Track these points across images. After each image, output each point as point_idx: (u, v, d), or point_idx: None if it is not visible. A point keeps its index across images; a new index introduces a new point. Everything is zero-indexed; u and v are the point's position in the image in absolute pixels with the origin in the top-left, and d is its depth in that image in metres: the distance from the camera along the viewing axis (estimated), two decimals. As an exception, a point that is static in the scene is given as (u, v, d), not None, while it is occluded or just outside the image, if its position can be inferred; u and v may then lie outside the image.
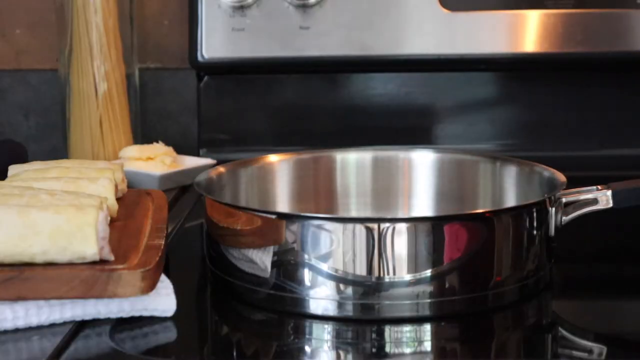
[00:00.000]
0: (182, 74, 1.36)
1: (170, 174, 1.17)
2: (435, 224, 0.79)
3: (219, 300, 0.87)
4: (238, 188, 0.98)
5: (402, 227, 0.78)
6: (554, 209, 0.85)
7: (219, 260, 0.86)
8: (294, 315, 0.80)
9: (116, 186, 0.93)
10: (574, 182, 0.88)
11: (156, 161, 1.19)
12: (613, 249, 1.00)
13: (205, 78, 1.32)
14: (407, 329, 0.78)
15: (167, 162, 1.19)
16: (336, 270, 0.78)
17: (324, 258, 0.78)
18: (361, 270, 0.78)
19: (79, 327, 0.76)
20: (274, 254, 0.80)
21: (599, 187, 0.86)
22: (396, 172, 1.03)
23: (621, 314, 0.84)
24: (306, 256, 0.79)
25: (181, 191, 1.19)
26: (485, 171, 0.99)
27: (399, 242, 0.78)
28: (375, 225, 0.78)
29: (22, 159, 1.08)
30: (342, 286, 0.78)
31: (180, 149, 1.35)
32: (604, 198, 0.86)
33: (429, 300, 0.78)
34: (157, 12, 1.36)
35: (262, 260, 0.81)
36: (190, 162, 1.23)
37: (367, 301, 0.78)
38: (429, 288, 0.78)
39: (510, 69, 1.31)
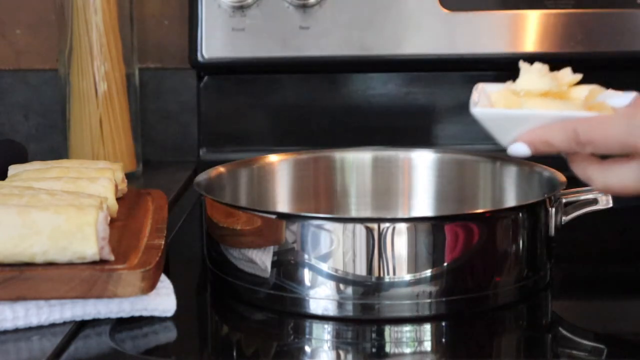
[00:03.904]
0: (182, 74, 1.36)
1: None
2: (435, 224, 0.79)
3: (219, 300, 0.87)
4: (238, 188, 0.98)
5: (402, 227, 0.78)
6: (554, 209, 0.85)
7: (219, 260, 0.86)
8: (294, 315, 0.80)
9: (116, 186, 0.93)
10: (574, 182, 0.88)
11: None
12: (613, 249, 1.00)
13: (205, 78, 1.32)
14: (407, 329, 0.78)
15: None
16: (336, 270, 0.78)
17: (324, 258, 0.78)
18: (361, 270, 0.78)
19: (79, 327, 0.76)
20: (274, 254, 0.80)
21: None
22: (396, 172, 1.03)
23: (621, 314, 0.84)
24: (306, 256, 0.79)
25: (181, 191, 1.19)
26: (485, 171, 0.99)
27: (399, 242, 0.78)
28: (375, 225, 0.78)
29: (22, 159, 1.08)
30: (342, 286, 0.78)
31: (180, 149, 1.35)
32: (604, 198, 0.86)
33: (429, 300, 0.78)
34: (157, 12, 1.36)
35: (262, 260, 0.81)
36: None
37: (367, 301, 0.78)
38: (429, 288, 0.78)
39: (510, 69, 1.30)
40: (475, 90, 0.78)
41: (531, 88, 0.75)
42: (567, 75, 0.76)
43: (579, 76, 0.76)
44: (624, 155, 0.71)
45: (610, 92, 0.76)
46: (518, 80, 0.76)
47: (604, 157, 0.73)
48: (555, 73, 0.76)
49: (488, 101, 0.76)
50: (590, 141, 0.70)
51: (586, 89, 0.76)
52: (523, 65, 0.76)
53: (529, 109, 0.74)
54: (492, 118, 0.74)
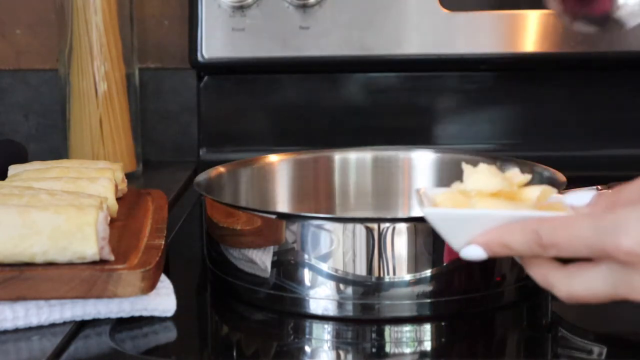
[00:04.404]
0: (182, 74, 1.36)
1: None
2: (435, 224, 0.79)
3: (219, 300, 0.87)
4: (238, 188, 0.98)
5: (402, 227, 0.78)
6: (554, 209, 0.84)
7: (219, 260, 0.86)
8: (294, 315, 0.80)
9: (116, 186, 0.93)
10: (574, 182, 0.88)
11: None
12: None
13: (205, 78, 1.32)
14: (407, 329, 0.78)
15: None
16: (336, 270, 0.78)
17: (324, 258, 0.78)
18: (361, 270, 0.78)
19: (79, 327, 0.76)
20: (274, 254, 0.80)
21: (599, 187, 0.86)
22: (396, 172, 1.03)
23: (621, 314, 0.84)
24: (306, 256, 0.79)
25: (181, 191, 1.19)
26: (485, 171, 0.99)
27: (399, 242, 0.78)
28: (375, 225, 0.78)
29: (22, 159, 1.08)
30: (342, 286, 0.78)
31: (180, 149, 1.35)
32: (604, 198, 0.86)
33: (429, 300, 0.78)
34: (157, 12, 1.36)
35: (262, 260, 0.81)
36: None
37: (367, 301, 0.78)
38: (429, 288, 0.78)
39: (510, 69, 1.31)
40: (416, 194, 0.73)
41: (482, 188, 0.69)
42: (516, 175, 0.71)
43: (528, 176, 0.71)
44: (588, 259, 0.65)
45: (564, 195, 0.71)
46: (466, 182, 0.70)
47: (564, 261, 0.67)
48: (504, 174, 0.71)
49: (432, 205, 0.71)
50: (554, 244, 0.64)
51: (537, 189, 0.70)
52: (467, 167, 0.71)
53: (487, 209, 0.67)
54: (446, 219, 0.68)
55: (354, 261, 0.78)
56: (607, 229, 0.62)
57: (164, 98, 1.36)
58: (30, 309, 0.74)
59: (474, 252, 0.67)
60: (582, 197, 0.69)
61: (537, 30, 1.23)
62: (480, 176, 0.70)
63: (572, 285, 0.65)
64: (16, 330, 0.74)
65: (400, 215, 1.01)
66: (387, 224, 0.78)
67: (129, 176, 1.09)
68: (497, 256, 0.67)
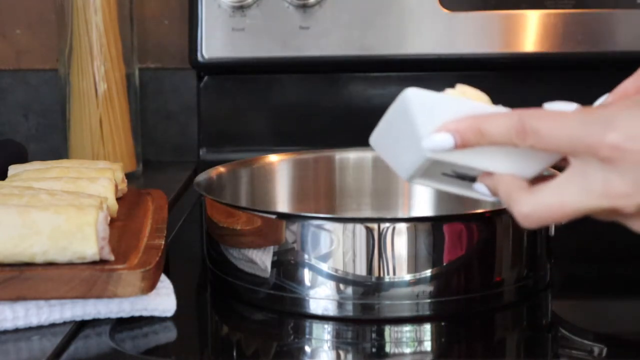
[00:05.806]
0: (182, 74, 1.36)
1: None
2: (435, 224, 0.79)
3: (219, 300, 0.87)
4: (238, 188, 0.98)
5: (402, 227, 0.78)
6: (554, 209, 0.84)
7: (219, 260, 0.86)
8: (294, 315, 0.80)
9: (116, 186, 0.93)
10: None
11: None
12: (613, 249, 1.00)
13: (205, 78, 1.32)
14: (407, 329, 0.78)
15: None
16: (336, 270, 0.78)
17: (324, 258, 0.78)
18: (361, 270, 0.78)
19: (79, 327, 0.76)
20: (274, 254, 0.80)
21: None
22: (396, 172, 1.03)
23: (621, 314, 0.84)
24: (306, 256, 0.79)
25: (181, 191, 1.19)
26: (485, 171, 0.99)
27: (399, 242, 0.78)
28: (375, 225, 0.78)
29: (22, 159, 1.08)
30: (342, 286, 0.78)
31: (180, 149, 1.35)
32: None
33: (429, 300, 0.78)
34: (157, 12, 1.36)
35: (262, 260, 0.81)
36: None
37: (367, 301, 0.78)
38: (429, 288, 0.78)
39: (510, 68, 1.31)
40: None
41: (473, 98, 0.68)
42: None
43: None
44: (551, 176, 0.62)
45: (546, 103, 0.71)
46: (459, 88, 0.69)
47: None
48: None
49: None
50: (536, 130, 0.59)
51: None
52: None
53: (477, 102, 0.63)
54: (428, 102, 0.62)
55: (354, 261, 0.78)
56: (595, 122, 0.59)
57: (164, 98, 1.36)
58: (30, 309, 0.74)
59: (439, 140, 0.62)
60: (566, 106, 0.64)
61: (537, 30, 1.23)
62: (474, 91, 0.67)
63: (537, 198, 0.61)
64: (16, 330, 0.74)
65: (400, 215, 1.01)
66: (387, 224, 0.78)
67: (129, 176, 1.09)
68: (466, 145, 0.62)
